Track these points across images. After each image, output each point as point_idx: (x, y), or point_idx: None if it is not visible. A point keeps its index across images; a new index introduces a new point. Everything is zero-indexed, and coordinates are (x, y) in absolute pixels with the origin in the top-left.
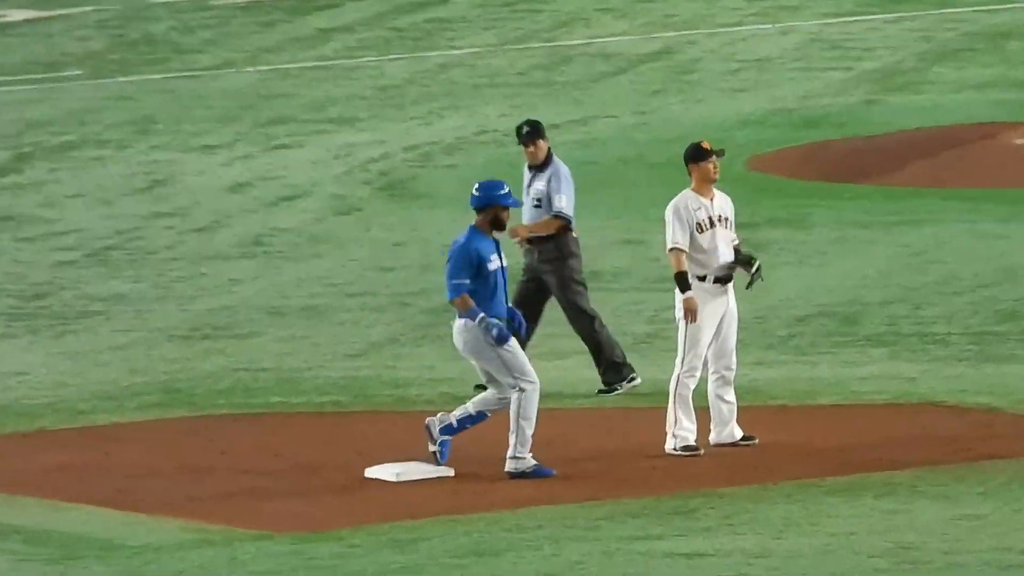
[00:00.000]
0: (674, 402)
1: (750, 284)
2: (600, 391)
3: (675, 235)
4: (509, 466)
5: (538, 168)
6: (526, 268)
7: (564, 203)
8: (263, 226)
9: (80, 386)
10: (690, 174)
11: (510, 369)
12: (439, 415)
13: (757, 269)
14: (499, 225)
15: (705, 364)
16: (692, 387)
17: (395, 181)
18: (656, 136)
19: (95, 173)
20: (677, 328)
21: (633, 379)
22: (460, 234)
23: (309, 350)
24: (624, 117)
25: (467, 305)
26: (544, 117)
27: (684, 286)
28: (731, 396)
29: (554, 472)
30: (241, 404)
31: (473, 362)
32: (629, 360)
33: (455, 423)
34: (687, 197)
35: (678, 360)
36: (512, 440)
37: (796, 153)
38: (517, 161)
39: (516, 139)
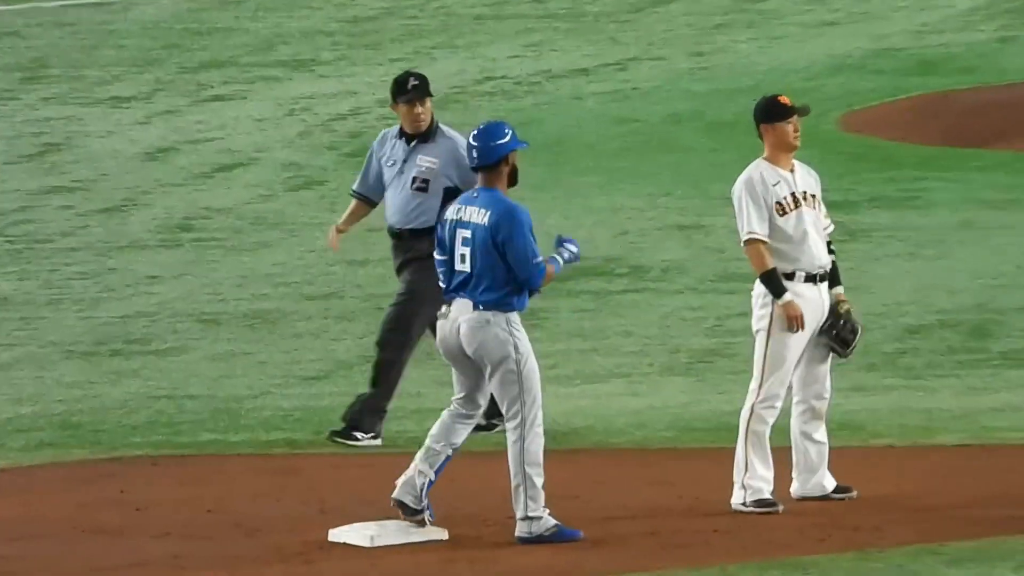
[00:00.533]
0: (745, 442)
1: (846, 349)
2: (334, 432)
3: (750, 220)
4: (521, 529)
5: (421, 138)
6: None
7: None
8: (192, 205)
9: None
10: (762, 138)
11: (524, 389)
12: (408, 476)
13: (845, 321)
14: (516, 177)
15: (788, 392)
16: (771, 422)
17: (368, 144)
18: (718, 86)
19: None
20: (755, 343)
21: (376, 438)
22: (469, 206)
23: (253, 371)
24: (676, 60)
25: (551, 278)
26: (570, 60)
27: (777, 288)
28: (822, 434)
29: (581, 535)
30: (162, 443)
31: (459, 370)
32: (681, 384)
33: (434, 476)
34: (760, 168)
35: (753, 385)
36: (521, 496)
37: (906, 108)
38: (533, 116)
39: (393, 95)
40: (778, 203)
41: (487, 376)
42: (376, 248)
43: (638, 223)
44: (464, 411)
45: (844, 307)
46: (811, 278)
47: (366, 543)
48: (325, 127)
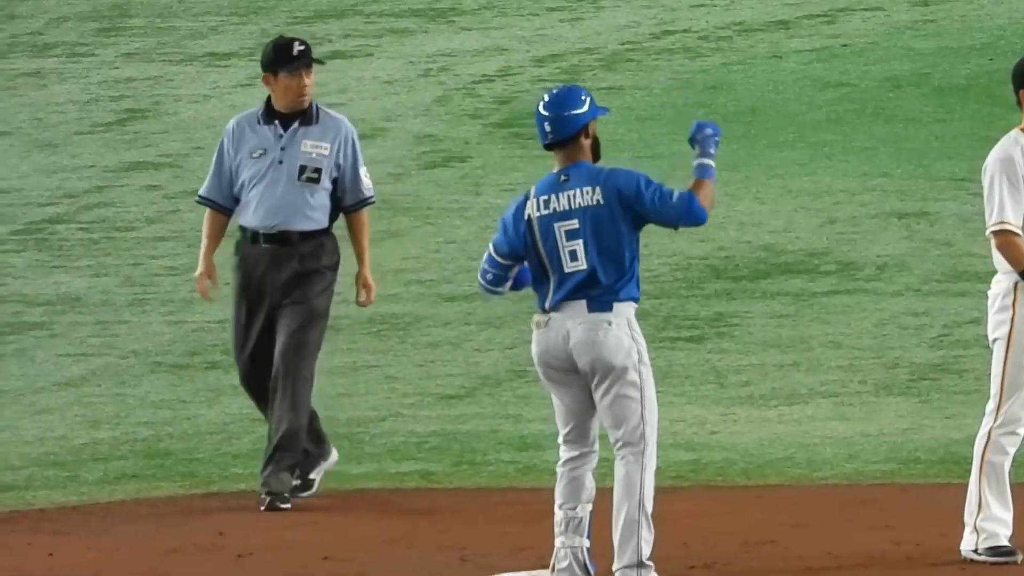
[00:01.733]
0: (980, 475)
1: None
2: (294, 488)
3: (1002, 207)
4: None
5: (303, 120)
6: (248, 290)
7: (370, 183)
8: None
9: None
10: (1021, 106)
11: (647, 407)
12: (563, 563)
13: None
14: (599, 151)
15: None
16: (1011, 452)
17: (521, 113)
18: (947, 43)
19: (30, 97)
20: (991, 356)
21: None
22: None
23: (380, 388)
24: (896, 11)
25: (711, 188)
26: (768, 10)
27: None
28: None
29: None
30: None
31: (564, 393)
32: (901, 406)
33: (588, 542)
34: (1020, 143)
35: (990, 407)
36: (633, 540)
37: None
38: (721, 79)
39: (269, 64)
40: None
41: (599, 394)
42: None
43: (849, 209)
44: (580, 451)
45: None
46: None
47: None
48: (468, 91)
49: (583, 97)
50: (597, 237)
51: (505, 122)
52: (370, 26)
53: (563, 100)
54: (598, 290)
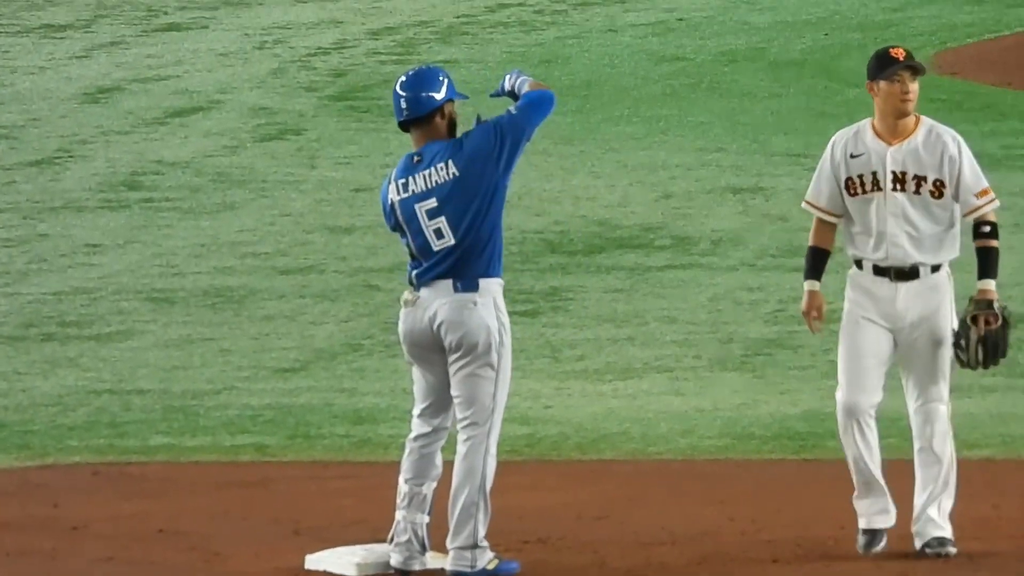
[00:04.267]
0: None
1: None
2: None
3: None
4: (462, 562)
5: None
6: None
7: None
8: (140, 158)
9: None
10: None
11: (499, 388)
12: (402, 537)
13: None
14: (455, 132)
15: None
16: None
17: (356, 86)
18: (783, 17)
19: None
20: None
21: None
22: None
23: (215, 361)
24: None
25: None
26: None
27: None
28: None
29: (518, 567)
30: (104, 448)
31: (427, 369)
32: (735, 382)
33: (428, 517)
34: (851, 134)
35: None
36: (470, 521)
37: (1012, 46)
38: (557, 52)
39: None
40: (849, 180)
41: (456, 368)
42: (364, 212)
43: (684, 184)
44: (433, 427)
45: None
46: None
47: (351, 572)
48: (303, 64)
49: (440, 78)
50: (457, 212)
51: (340, 95)
52: None
53: (421, 80)
54: (465, 268)
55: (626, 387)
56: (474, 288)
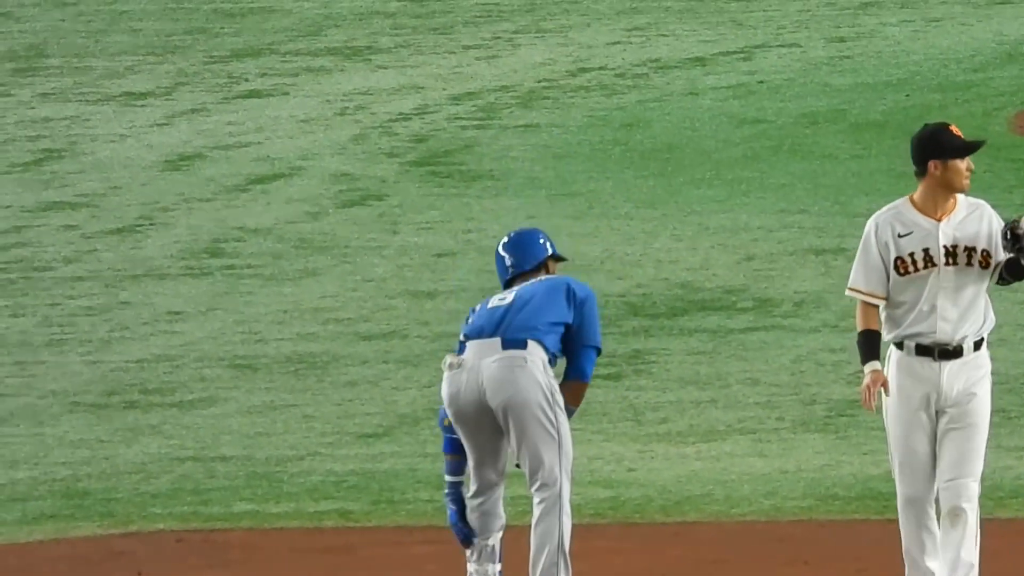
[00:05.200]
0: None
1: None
2: None
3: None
4: None
5: None
6: None
7: None
8: (222, 225)
9: None
10: (920, 176)
11: (563, 447)
12: (476, 570)
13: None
14: None
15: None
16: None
17: (438, 151)
18: (863, 79)
19: None
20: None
21: None
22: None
23: (298, 427)
24: (812, 47)
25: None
26: (684, 47)
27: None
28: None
29: None
30: (188, 515)
31: (473, 435)
32: (818, 443)
33: (500, 566)
34: (891, 214)
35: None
36: None
37: None
38: (638, 116)
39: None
40: (899, 260)
41: (515, 434)
42: (446, 277)
43: (766, 246)
44: (488, 485)
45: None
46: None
47: None
48: (384, 129)
49: (542, 240)
50: (531, 303)
51: (422, 160)
52: (286, 65)
53: (523, 238)
54: (514, 326)
55: (709, 449)
56: (523, 347)
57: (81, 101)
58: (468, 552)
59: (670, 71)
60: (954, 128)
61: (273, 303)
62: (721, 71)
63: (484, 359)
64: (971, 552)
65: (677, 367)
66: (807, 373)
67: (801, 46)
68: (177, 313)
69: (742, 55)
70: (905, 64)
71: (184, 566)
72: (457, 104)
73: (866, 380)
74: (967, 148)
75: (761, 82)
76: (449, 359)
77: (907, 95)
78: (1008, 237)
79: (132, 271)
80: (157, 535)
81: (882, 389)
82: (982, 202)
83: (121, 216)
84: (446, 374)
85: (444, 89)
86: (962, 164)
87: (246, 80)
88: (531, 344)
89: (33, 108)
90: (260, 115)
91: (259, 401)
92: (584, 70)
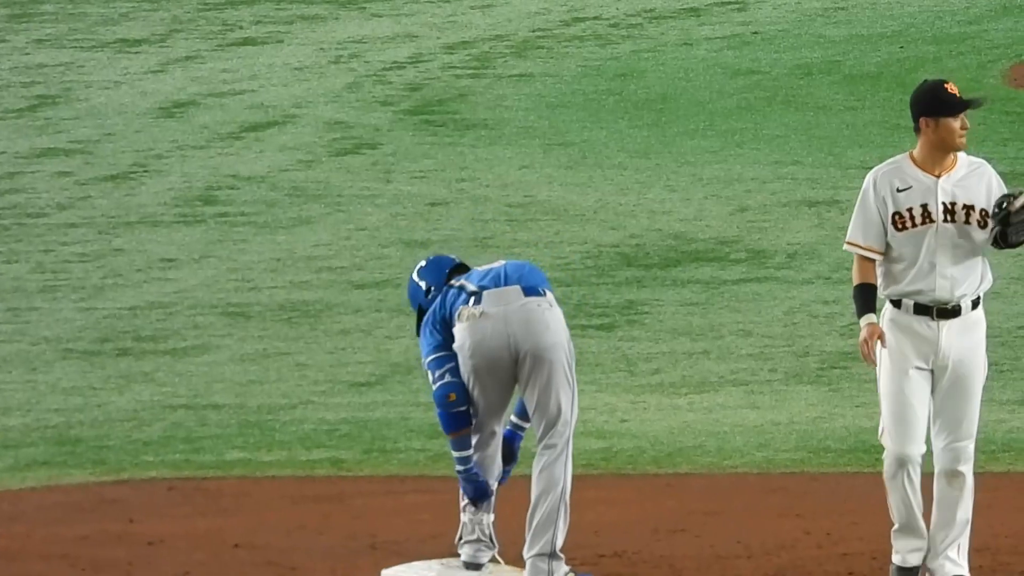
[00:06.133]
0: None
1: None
2: None
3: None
4: (539, 569)
5: None
6: None
7: None
8: (216, 173)
9: None
10: (918, 132)
11: (575, 394)
12: (471, 534)
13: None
14: None
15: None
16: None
17: (432, 100)
18: (858, 31)
19: None
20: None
21: None
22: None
23: (291, 376)
24: None
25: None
26: None
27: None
28: None
29: None
30: (179, 463)
31: (491, 383)
32: (811, 395)
33: (493, 514)
34: (891, 169)
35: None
36: (549, 529)
37: None
38: (632, 66)
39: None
40: (897, 215)
41: (536, 378)
42: (439, 226)
43: (759, 197)
44: (489, 434)
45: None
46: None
47: None
48: (378, 78)
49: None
50: (523, 265)
51: (416, 109)
52: (281, 12)
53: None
54: (525, 277)
55: (702, 400)
56: (542, 294)
57: (76, 47)
58: (461, 503)
59: (664, 21)
60: (950, 86)
61: (266, 251)
62: (716, 21)
63: (509, 305)
64: (967, 511)
65: (670, 318)
66: (800, 325)
67: None
68: (170, 260)
69: (737, 6)
70: (900, 16)
71: (176, 514)
72: (451, 53)
73: (863, 334)
74: (958, 106)
75: (756, 33)
76: (467, 310)
77: (901, 47)
78: (998, 211)
79: (126, 218)
80: (149, 483)
81: (879, 342)
82: (983, 161)
83: (115, 163)
84: (464, 324)
85: (438, 38)
86: (955, 123)
87: (240, 27)
88: (548, 293)
89: (28, 54)
90: (254, 63)
91: (252, 349)
92: (578, 19)
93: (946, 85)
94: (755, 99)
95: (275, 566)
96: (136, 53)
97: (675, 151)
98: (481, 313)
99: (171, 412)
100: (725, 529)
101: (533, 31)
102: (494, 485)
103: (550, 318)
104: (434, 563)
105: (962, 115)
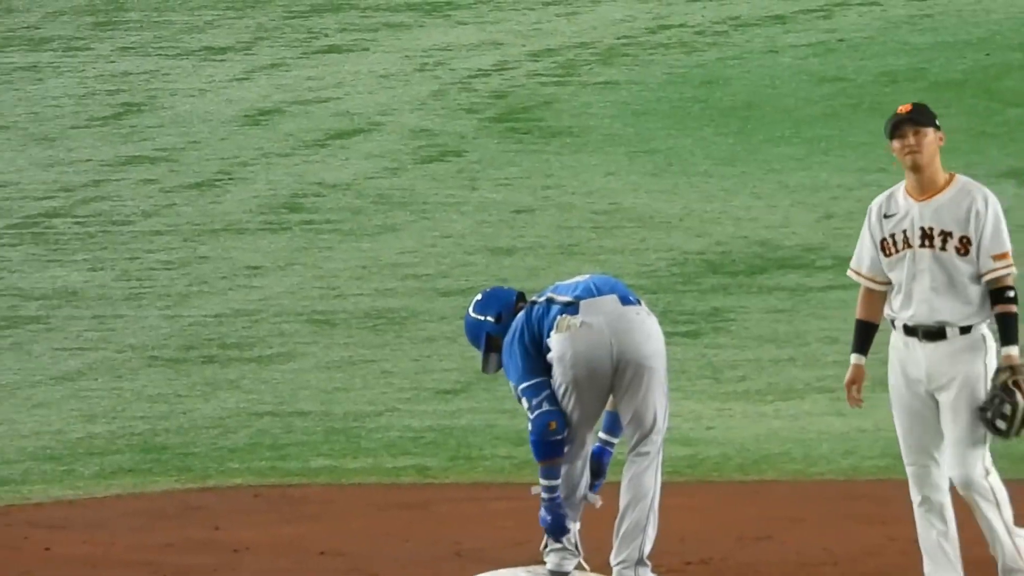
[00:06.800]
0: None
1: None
2: None
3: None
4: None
5: None
6: None
7: None
8: (301, 180)
9: None
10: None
11: (668, 402)
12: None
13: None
14: None
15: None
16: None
17: (517, 108)
18: (945, 38)
19: (26, 91)
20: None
21: None
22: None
23: (376, 383)
24: (892, 6)
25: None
26: (764, 4)
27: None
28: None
29: None
30: (265, 471)
31: (587, 395)
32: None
33: (578, 524)
34: (886, 196)
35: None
36: (639, 535)
37: None
38: (717, 73)
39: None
40: (883, 241)
41: (633, 385)
42: (525, 233)
43: (845, 204)
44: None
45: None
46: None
47: None
48: (464, 85)
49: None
50: (608, 278)
51: (501, 116)
52: (366, 20)
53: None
54: (618, 288)
55: (788, 408)
56: (637, 302)
57: (160, 55)
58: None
59: (750, 28)
60: (901, 107)
61: (351, 258)
62: (801, 29)
63: (609, 315)
64: (998, 521)
65: (756, 325)
66: (885, 332)
67: (881, 4)
68: (255, 268)
69: (822, 13)
70: (985, 23)
71: (261, 521)
72: (536, 61)
73: (847, 376)
74: (893, 127)
75: (841, 40)
76: (567, 320)
77: (987, 54)
78: (995, 397)
79: (211, 226)
80: (234, 490)
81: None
82: (978, 187)
83: (200, 171)
84: (564, 335)
85: (523, 45)
86: (896, 143)
87: (325, 35)
88: (642, 302)
89: (113, 62)
90: (339, 70)
91: (337, 356)
92: (664, 27)
93: (899, 108)
94: (840, 106)
95: (360, 573)
96: (221, 61)
97: (760, 158)
98: (581, 323)
99: (256, 419)
100: (810, 536)
101: (618, 38)
102: (581, 494)
103: (651, 326)
104: (519, 571)
105: (907, 133)
